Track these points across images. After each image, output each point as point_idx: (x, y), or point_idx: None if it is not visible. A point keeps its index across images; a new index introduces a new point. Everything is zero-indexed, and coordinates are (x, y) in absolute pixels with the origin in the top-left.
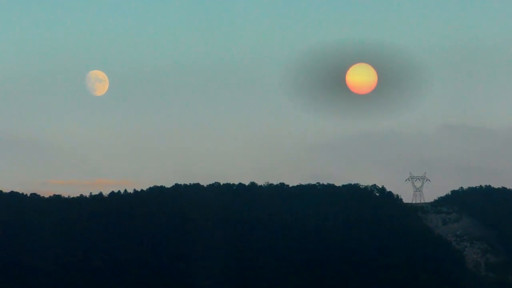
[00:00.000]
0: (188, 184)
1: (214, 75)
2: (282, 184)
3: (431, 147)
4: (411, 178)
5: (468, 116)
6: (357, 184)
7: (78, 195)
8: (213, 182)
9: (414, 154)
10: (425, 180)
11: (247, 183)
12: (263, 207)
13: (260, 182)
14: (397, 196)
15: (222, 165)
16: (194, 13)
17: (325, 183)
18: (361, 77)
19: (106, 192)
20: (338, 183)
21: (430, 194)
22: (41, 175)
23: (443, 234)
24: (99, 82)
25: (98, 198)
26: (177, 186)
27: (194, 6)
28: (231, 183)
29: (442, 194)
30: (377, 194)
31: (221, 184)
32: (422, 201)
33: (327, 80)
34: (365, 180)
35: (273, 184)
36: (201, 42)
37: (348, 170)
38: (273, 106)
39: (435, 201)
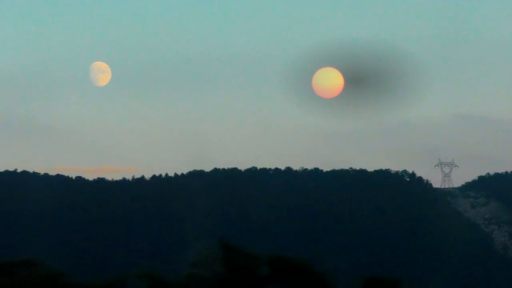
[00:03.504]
0: (227, 168)
1: (218, 68)
2: (316, 169)
3: (447, 136)
4: (440, 164)
5: (476, 106)
6: (388, 169)
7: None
8: (251, 166)
9: (429, 143)
10: (454, 165)
11: (283, 168)
12: (298, 191)
13: (295, 167)
14: (427, 181)
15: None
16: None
17: (358, 168)
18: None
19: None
20: (370, 168)
21: (457, 180)
22: (48, 161)
23: (472, 218)
24: (102, 73)
25: (140, 181)
26: (216, 170)
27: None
28: (268, 167)
29: (469, 179)
30: (408, 179)
31: (258, 168)
32: (451, 186)
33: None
34: (394, 166)
35: (307, 169)
36: (199, 35)
37: (378, 158)
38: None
39: (463, 186)
